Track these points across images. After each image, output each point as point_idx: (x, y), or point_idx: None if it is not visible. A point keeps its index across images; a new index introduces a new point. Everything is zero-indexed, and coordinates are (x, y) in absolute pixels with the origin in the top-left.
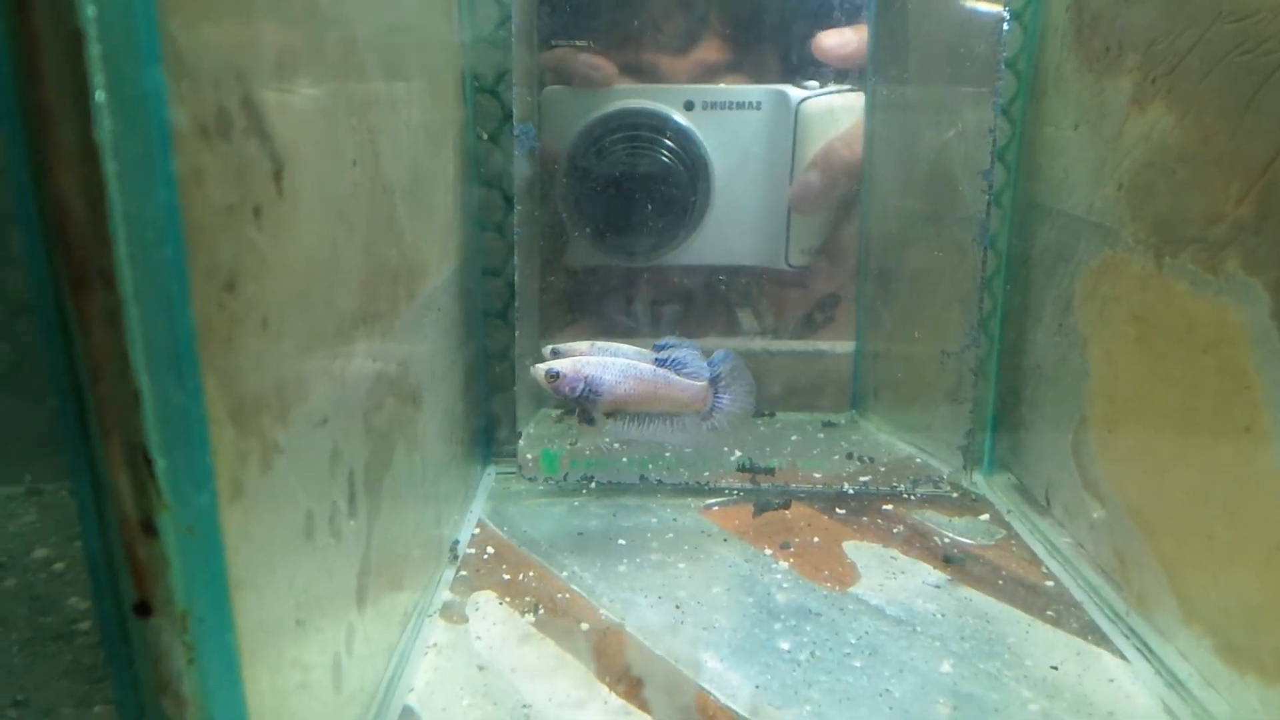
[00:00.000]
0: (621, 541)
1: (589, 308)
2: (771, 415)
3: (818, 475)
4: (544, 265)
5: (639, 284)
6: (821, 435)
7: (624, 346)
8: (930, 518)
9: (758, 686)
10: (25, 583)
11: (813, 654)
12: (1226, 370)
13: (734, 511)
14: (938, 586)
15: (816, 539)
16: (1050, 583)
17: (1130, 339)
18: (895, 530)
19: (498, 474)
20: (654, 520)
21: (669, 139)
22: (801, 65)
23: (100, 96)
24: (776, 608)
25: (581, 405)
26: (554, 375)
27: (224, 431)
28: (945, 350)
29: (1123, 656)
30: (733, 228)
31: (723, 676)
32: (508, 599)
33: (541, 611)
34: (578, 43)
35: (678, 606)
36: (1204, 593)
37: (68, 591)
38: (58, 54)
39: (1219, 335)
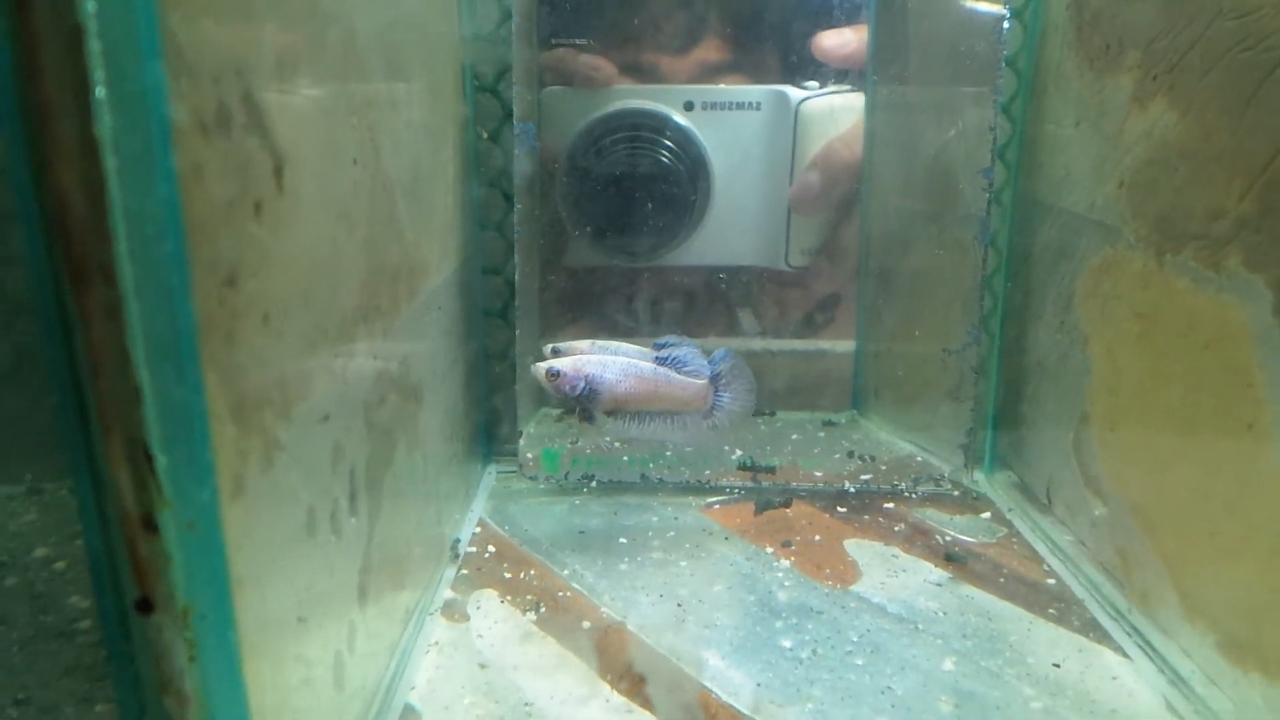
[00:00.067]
0: (623, 540)
1: (589, 307)
2: (772, 414)
3: (819, 474)
4: (544, 264)
5: (639, 283)
6: (822, 434)
7: (624, 345)
8: (931, 516)
9: (759, 684)
10: (26, 581)
11: (814, 652)
12: (1228, 367)
13: (735, 510)
14: (939, 584)
15: (818, 537)
16: (1052, 580)
17: (1132, 336)
18: (896, 528)
19: (498, 473)
20: (655, 519)
21: (669, 139)
22: (801, 65)
23: (100, 92)
24: (778, 606)
25: (582, 404)
26: (554, 374)
27: (225, 428)
28: (946, 348)
29: (1125, 654)
30: (733, 228)
31: (725, 674)
32: (509, 597)
33: (543, 610)
34: (578, 42)
35: (679, 605)
36: (1206, 590)
37: (69, 590)
38: (58, 49)
39: (1220, 332)
